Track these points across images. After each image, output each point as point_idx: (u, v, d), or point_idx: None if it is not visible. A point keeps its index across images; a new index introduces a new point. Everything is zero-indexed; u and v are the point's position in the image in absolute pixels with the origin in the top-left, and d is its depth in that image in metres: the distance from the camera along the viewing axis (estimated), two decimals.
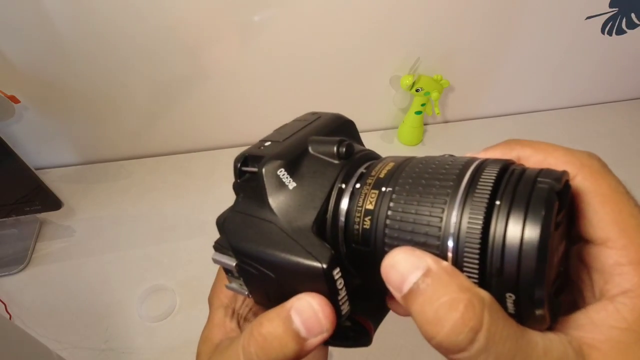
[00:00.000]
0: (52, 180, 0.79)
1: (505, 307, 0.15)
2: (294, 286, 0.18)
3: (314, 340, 0.18)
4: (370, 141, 0.88)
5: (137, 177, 0.81)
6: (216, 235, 0.23)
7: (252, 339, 0.18)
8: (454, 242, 0.15)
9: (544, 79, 0.93)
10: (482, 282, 0.15)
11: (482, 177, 0.15)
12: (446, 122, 0.96)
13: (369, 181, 0.19)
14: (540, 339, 0.14)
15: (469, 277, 0.15)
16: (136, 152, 0.85)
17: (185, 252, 0.67)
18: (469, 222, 0.15)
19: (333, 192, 0.19)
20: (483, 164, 0.16)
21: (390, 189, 0.18)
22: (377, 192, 0.18)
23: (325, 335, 0.18)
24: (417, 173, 0.17)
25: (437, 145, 0.89)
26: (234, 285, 0.22)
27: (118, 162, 0.84)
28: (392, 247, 0.17)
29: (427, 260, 0.15)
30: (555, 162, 0.17)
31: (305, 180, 0.20)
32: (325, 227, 0.19)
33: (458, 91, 0.89)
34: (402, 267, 0.15)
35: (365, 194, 0.19)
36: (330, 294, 0.18)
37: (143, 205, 0.75)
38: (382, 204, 0.18)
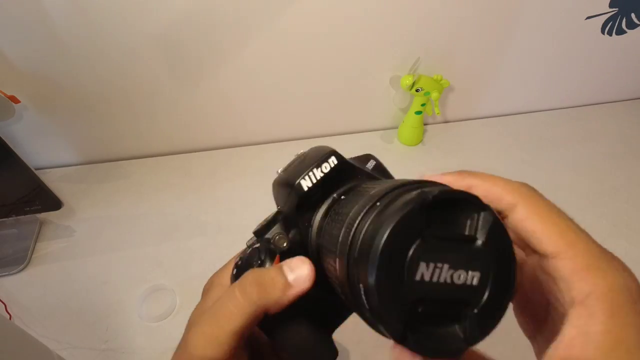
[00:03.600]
0: (52, 180, 0.79)
1: None
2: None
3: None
4: (370, 141, 0.88)
5: (137, 177, 0.81)
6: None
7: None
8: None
9: (544, 79, 0.93)
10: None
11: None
12: (446, 122, 0.96)
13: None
14: None
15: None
16: (136, 152, 0.85)
17: (185, 252, 0.66)
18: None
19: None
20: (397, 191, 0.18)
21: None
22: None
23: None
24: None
25: (437, 145, 0.89)
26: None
27: (118, 162, 0.84)
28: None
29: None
30: (498, 190, 0.20)
31: None
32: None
33: (458, 91, 0.89)
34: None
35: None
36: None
37: (143, 205, 0.75)
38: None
